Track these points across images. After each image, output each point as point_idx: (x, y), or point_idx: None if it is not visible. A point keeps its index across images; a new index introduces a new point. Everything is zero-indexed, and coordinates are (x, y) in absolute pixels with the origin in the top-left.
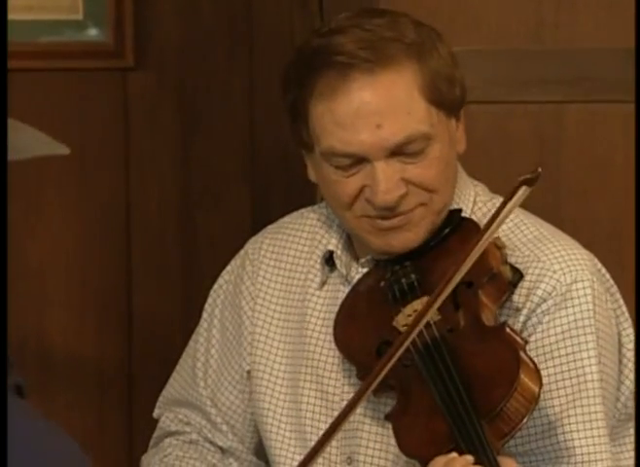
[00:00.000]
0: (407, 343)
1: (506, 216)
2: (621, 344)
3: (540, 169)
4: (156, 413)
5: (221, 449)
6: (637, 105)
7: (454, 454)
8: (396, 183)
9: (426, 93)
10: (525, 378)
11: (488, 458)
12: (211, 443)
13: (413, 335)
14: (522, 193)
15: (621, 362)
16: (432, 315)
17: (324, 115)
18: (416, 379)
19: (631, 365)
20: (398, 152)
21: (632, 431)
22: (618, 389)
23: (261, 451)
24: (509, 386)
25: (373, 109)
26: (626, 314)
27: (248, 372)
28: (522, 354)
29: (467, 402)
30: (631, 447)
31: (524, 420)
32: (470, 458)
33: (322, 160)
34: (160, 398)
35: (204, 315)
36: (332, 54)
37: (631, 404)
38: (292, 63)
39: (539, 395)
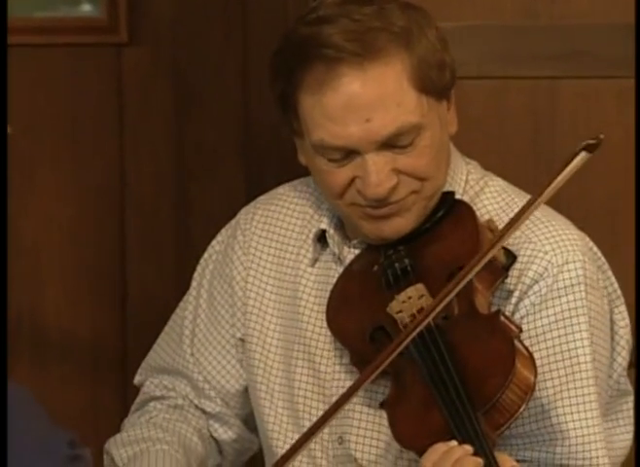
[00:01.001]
0: (407, 340)
1: (560, 182)
2: (613, 322)
3: (602, 136)
4: (137, 379)
5: (208, 414)
6: (637, 81)
7: (454, 443)
8: (387, 174)
9: (416, 82)
10: (521, 369)
11: (484, 451)
12: (196, 408)
13: (414, 334)
14: (581, 159)
15: (613, 339)
16: (425, 302)
17: (314, 108)
18: (411, 369)
19: (623, 342)
20: (388, 144)
21: (625, 407)
22: (610, 367)
23: (250, 421)
24: (504, 377)
25: (363, 103)
26: (618, 292)
27: (241, 339)
28: (517, 343)
29: (462, 393)
30: (623, 422)
31: (520, 410)
32: (469, 448)
33: (313, 151)
34: (143, 365)
35: (193, 284)
36: (320, 47)
37: (624, 380)
38: (279, 52)
39: (534, 384)
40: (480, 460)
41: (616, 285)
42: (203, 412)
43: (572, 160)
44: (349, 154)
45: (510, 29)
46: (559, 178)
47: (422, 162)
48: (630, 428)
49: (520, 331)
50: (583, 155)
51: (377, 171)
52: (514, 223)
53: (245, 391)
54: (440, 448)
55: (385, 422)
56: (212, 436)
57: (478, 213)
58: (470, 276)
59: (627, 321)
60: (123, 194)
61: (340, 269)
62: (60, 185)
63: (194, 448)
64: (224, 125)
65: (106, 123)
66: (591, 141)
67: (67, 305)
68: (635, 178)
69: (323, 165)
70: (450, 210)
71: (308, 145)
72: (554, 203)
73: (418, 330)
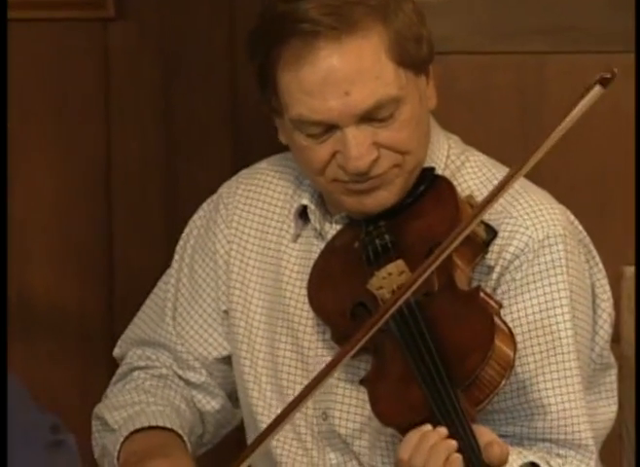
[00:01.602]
0: (387, 316)
1: (575, 117)
2: (595, 295)
3: (616, 70)
4: (116, 352)
5: (192, 385)
6: (637, 55)
7: (428, 427)
8: (367, 148)
9: (394, 55)
10: (500, 345)
11: (463, 427)
12: (180, 379)
13: (393, 309)
14: (595, 93)
15: (595, 312)
16: (406, 279)
17: (291, 84)
18: (391, 345)
19: (605, 315)
20: (368, 117)
21: (608, 380)
22: (592, 340)
23: (233, 393)
24: (484, 354)
25: (341, 76)
26: (600, 265)
27: (225, 311)
28: (497, 320)
29: (441, 370)
30: (606, 395)
31: (500, 386)
32: (443, 431)
33: (292, 127)
34: (123, 338)
35: (175, 257)
36: (296, 22)
37: (606, 353)
38: (256, 29)
39: (514, 361)
40: (453, 443)
41: (597, 259)
42: (187, 382)
43: (586, 94)
44: (329, 129)
45: (497, 3)
46: (573, 113)
47: (402, 136)
48: (613, 401)
49: (500, 307)
50: (597, 89)
51: (358, 145)
52: (515, 173)
53: (228, 361)
54: (413, 437)
55: (368, 398)
56: (196, 406)
57: (458, 188)
58: (450, 250)
59: (609, 294)
60: (109, 169)
61: (322, 245)
62: (47, 161)
63: (182, 413)
64: (211, 99)
65: (93, 97)
66: (605, 74)
67: (54, 281)
68: (635, 158)
69: (303, 142)
70: (431, 186)
71: (288, 122)
72: (539, 178)
73: (398, 304)
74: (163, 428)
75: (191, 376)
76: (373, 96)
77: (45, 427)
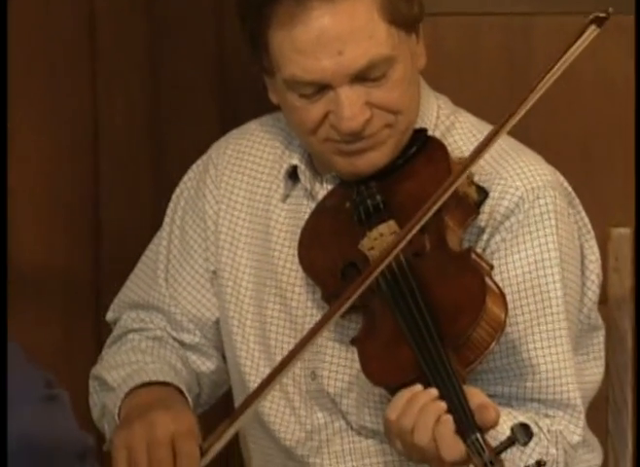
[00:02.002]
0: (376, 274)
1: (568, 59)
2: (583, 256)
3: (611, 9)
4: (109, 316)
5: (187, 346)
6: (637, 18)
7: (419, 387)
8: (360, 108)
9: (386, 15)
10: (491, 306)
11: (454, 387)
12: (175, 340)
13: (383, 266)
14: (590, 33)
15: (583, 274)
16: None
17: (284, 43)
18: (382, 304)
19: (594, 276)
20: (361, 77)
21: (595, 341)
22: (581, 301)
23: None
24: (475, 314)
25: (334, 36)
26: (589, 227)
27: (214, 272)
28: (488, 281)
29: (432, 330)
30: (593, 356)
31: (490, 347)
32: (434, 392)
33: (284, 87)
34: (116, 301)
35: (166, 220)
36: None
37: (594, 315)
38: None
39: (505, 322)
40: (443, 405)
41: (586, 220)
42: (182, 343)
43: (581, 34)
44: (321, 88)
45: None
46: (565, 56)
47: (395, 95)
48: (600, 362)
49: (492, 268)
50: (592, 29)
51: (351, 105)
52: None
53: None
54: (401, 397)
55: (357, 358)
56: (191, 367)
57: (448, 148)
58: (440, 203)
59: (598, 255)
60: (96, 131)
61: (312, 205)
62: (33, 122)
63: (180, 372)
64: (198, 59)
65: (79, 57)
66: (600, 14)
67: (41, 242)
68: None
69: (295, 102)
70: (423, 147)
71: (280, 82)
72: (527, 142)
73: (388, 260)
74: (163, 383)
75: (185, 337)
76: (366, 56)
77: (40, 382)
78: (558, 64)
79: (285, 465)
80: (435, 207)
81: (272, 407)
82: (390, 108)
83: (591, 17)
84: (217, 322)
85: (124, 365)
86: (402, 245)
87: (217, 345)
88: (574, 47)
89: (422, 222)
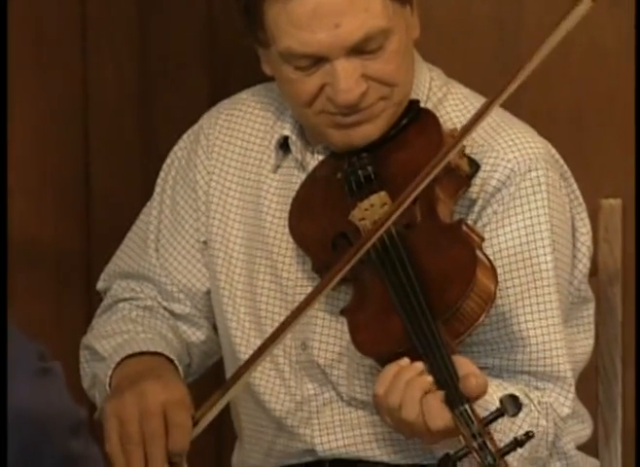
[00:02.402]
0: (368, 245)
1: (562, 33)
2: (574, 229)
3: None
4: (100, 285)
5: (178, 316)
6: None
7: (406, 361)
8: (356, 80)
9: None
10: (482, 278)
11: (443, 358)
12: (165, 310)
13: (375, 237)
14: (585, 6)
15: (574, 246)
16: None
17: (280, 16)
18: (372, 276)
19: (584, 249)
20: (357, 49)
21: (585, 313)
22: (571, 274)
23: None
24: (465, 286)
25: (331, 8)
26: (580, 199)
27: (205, 242)
28: (479, 253)
29: (422, 301)
30: (583, 328)
31: (480, 320)
32: (420, 366)
33: (280, 60)
34: (106, 271)
35: (157, 189)
36: None
37: (584, 287)
38: None
39: (495, 294)
40: (429, 379)
41: (578, 193)
42: (172, 313)
43: (575, 6)
44: (318, 61)
45: None
46: (559, 30)
47: (391, 68)
48: (590, 335)
49: (482, 240)
50: (586, 1)
51: (347, 77)
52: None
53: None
54: (388, 372)
55: (347, 329)
56: (182, 337)
57: (440, 120)
58: (432, 176)
59: (589, 228)
60: (86, 102)
61: (303, 176)
62: (23, 94)
63: (170, 342)
64: (188, 31)
65: (69, 30)
66: None
67: (31, 213)
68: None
69: (290, 74)
70: (415, 119)
71: (275, 54)
72: (518, 113)
73: (380, 233)
74: (154, 353)
75: (175, 307)
76: (362, 28)
77: (33, 355)
78: (553, 36)
79: (275, 436)
80: (428, 179)
81: (263, 378)
82: (386, 80)
83: None
84: (208, 293)
85: (114, 335)
86: (394, 217)
87: (207, 316)
88: (569, 19)
89: (415, 194)
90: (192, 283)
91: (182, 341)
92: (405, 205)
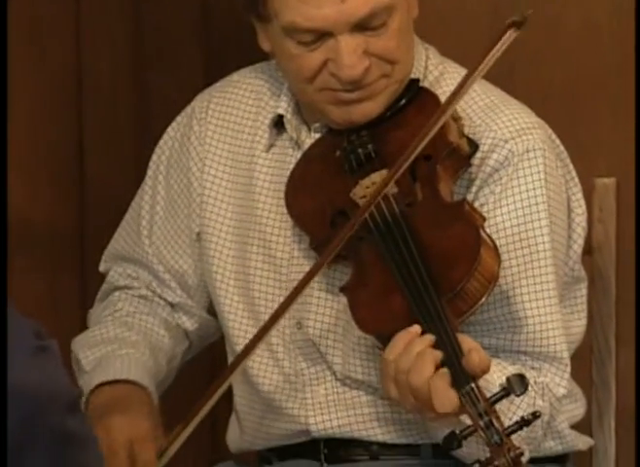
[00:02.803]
0: (365, 215)
1: (489, 62)
2: (570, 209)
3: (530, 11)
4: (102, 266)
5: (170, 304)
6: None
7: (416, 328)
8: (360, 56)
9: None
10: (486, 258)
11: (449, 336)
12: (160, 297)
13: (372, 207)
14: (509, 37)
15: (570, 226)
16: (390, 188)
17: None
18: (372, 254)
19: (580, 229)
20: (361, 25)
21: (579, 293)
22: (566, 254)
23: (212, 309)
24: (470, 265)
25: None
26: (576, 179)
27: (198, 234)
28: (482, 232)
29: (426, 279)
30: (577, 308)
31: (483, 299)
32: (431, 338)
33: (282, 34)
34: (106, 252)
35: (149, 172)
36: None
37: (578, 267)
38: None
39: (498, 274)
40: (439, 353)
41: (574, 173)
42: (166, 301)
43: (500, 37)
44: (321, 36)
45: None
46: (486, 60)
47: (393, 45)
48: (584, 315)
49: (484, 220)
50: (510, 33)
51: (350, 53)
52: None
53: (205, 284)
54: (401, 339)
55: (343, 308)
56: (177, 323)
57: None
58: (425, 142)
59: (584, 209)
60: (80, 80)
61: (298, 155)
62: (17, 72)
63: (160, 343)
64: (182, 14)
65: (64, 14)
66: (517, 18)
67: (25, 194)
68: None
69: (293, 49)
70: (415, 97)
71: (277, 29)
72: (512, 88)
73: (375, 202)
74: (127, 381)
75: (168, 294)
76: (367, 4)
77: (29, 333)
78: (479, 69)
79: (270, 419)
80: (422, 145)
81: (255, 359)
82: (388, 57)
83: (508, 21)
84: (200, 284)
85: (97, 345)
86: (391, 183)
87: (201, 303)
88: (493, 51)
89: (411, 158)
90: (184, 269)
91: (177, 330)
92: (400, 172)
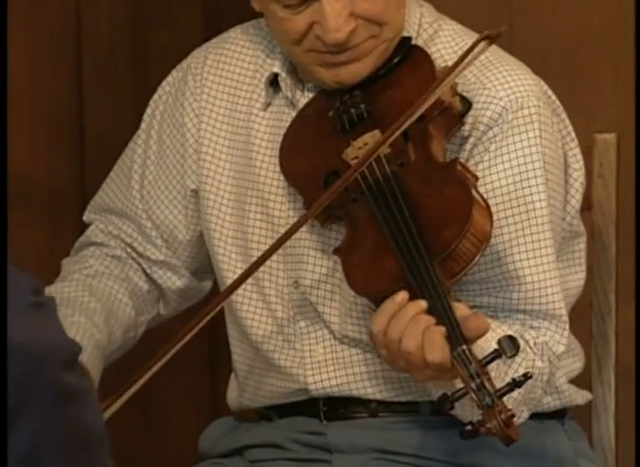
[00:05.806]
0: (356, 174)
1: (463, 69)
2: (567, 165)
3: (504, 28)
4: (86, 216)
5: (154, 262)
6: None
7: (404, 296)
8: (345, 19)
9: None
10: (478, 217)
11: (440, 297)
12: (140, 256)
13: (363, 167)
14: (482, 48)
15: (567, 182)
16: (382, 149)
17: None
18: (365, 215)
19: (577, 185)
20: None
21: (577, 248)
22: (564, 209)
23: (199, 272)
24: (461, 226)
25: None
26: (573, 135)
27: (194, 190)
28: (474, 192)
29: (418, 240)
30: (574, 262)
31: (475, 260)
32: (423, 303)
33: None
34: (93, 202)
35: (142, 126)
36: None
37: (576, 221)
38: None
39: (490, 234)
40: (431, 319)
41: (570, 129)
42: (148, 259)
43: (472, 49)
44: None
45: None
46: (460, 68)
47: (379, 6)
48: (581, 269)
49: (476, 179)
50: (483, 44)
51: (335, 16)
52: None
53: (195, 242)
54: (386, 311)
55: (339, 268)
56: (156, 283)
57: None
58: (423, 108)
59: (581, 164)
60: (79, 36)
61: (294, 114)
62: (15, 29)
63: (121, 311)
64: None
65: None
66: (492, 32)
67: (24, 149)
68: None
69: (279, 12)
70: (407, 56)
71: None
72: (512, 47)
73: (367, 163)
74: None
75: (152, 252)
76: None
77: (27, 288)
78: (448, 78)
79: (268, 377)
80: (418, 112)
81: (255, 318)
82: (375, 19)
83: (484, 34)
84: (189, 241)
85: (59, 303)
86: (384, 146)
87: (187, 263)
88: (465, 62)
89: (405, 126)
90: (173, 225)
91: (149, 294)
92: (392, 138)
